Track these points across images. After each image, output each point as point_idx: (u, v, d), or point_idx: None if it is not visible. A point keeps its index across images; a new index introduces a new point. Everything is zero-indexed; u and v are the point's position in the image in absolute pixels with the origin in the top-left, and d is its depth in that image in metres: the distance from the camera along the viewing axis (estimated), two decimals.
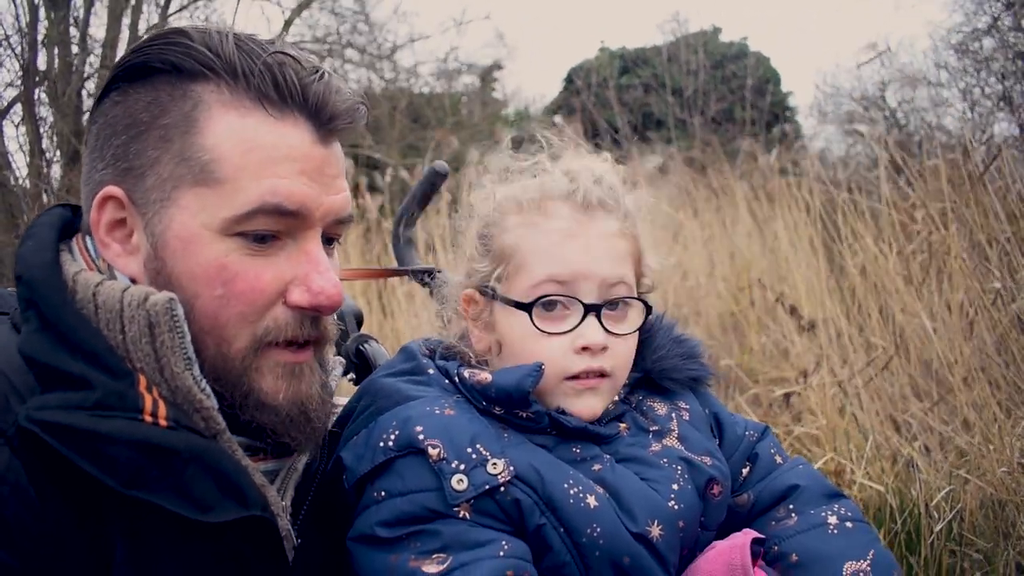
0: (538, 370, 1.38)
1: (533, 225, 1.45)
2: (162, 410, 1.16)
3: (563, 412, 1.41)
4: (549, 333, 1.41)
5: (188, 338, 1.20)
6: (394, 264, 2.23)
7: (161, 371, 1.20)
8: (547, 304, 1.42)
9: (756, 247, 5.75)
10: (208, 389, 1.22)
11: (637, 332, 1.49)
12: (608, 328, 1.42)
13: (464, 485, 1.28)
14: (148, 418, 1.14)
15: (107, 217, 1.28)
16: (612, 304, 1.44)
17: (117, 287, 1.22)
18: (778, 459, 1.58)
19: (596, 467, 1.38)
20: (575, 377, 1.42)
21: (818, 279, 4.40)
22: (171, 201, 1.24)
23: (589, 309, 1.41)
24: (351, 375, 1.74)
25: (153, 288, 1.22)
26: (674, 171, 7.01)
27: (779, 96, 13.76)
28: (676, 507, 1.37)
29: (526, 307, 1.42)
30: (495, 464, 1.30)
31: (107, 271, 1.29)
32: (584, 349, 1.41)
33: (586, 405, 1.42)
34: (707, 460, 1.45)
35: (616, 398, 1.50)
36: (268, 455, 1.33)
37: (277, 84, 1.24)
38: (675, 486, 1.39)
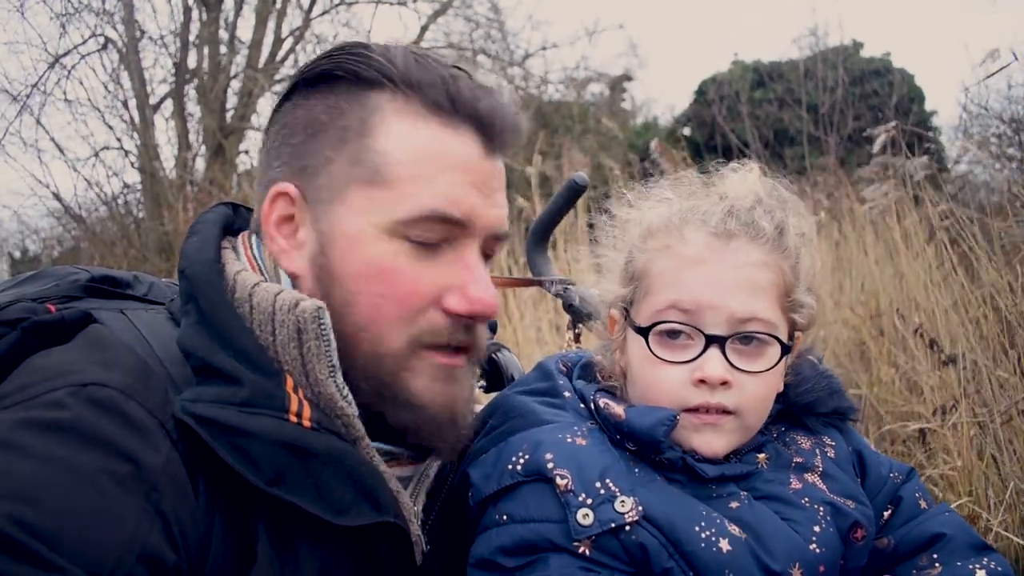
0: (673, 419, 1.32)
1: (666, 249, 1.39)
2: (307, 411, 1.18)
3: (699, 458, 1.35)
4: (666, 361, 1.35)
5: (333, 345, 1.22)
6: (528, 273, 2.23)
7: (306, 376, 1.22)
8: (671, 333, 1.36)
9: (887, 273, 5.49)
10: (349, 396, 1.24)
11: (777, 371, 1.39)
12: (735, 363, 1.34)
13: (590, 520, 1.24)
14: (293, 418, 1.16)
15: (277, 212, 1.32)
16: (746, 339, 1.35)
17: (271, 290, 1.25)
18: (923, 504, 1.49)
19: (733, 504, 1.32)
20: (694, 410, 1.35)
21: (955, 310, 4.18)
22: (341, 200, 1.27)
23: (712, 341, 1.33)
24: (482, 382, 1.76)
25: (308, 292, 1.26)
26: (806, 191, 6.78)
27: (923, 115, 13.17)
28: (818, 551, 1.30)
29: (644, 331, 1.37)
30: (623, 502, 1.26)
31: (271, 271, 1.33)
32: (701, 382, 1.33)
33: (705, 441, 1.35)
34: (851, 503, 1.38)
35: None
36: (405, 460, 1.34)
37: (451, 96, 1.26)
38: (817, 528, 1.32)
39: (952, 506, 3.12)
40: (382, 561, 1.24)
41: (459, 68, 1.29)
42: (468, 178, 1.27)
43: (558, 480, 1.27)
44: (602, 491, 1.26)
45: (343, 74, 1.30)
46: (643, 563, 1.25)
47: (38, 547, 0.95)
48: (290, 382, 1.20)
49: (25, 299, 1.30)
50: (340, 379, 1.23)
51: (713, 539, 1.25)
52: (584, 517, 1.24)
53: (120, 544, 1.00)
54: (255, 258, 1.35)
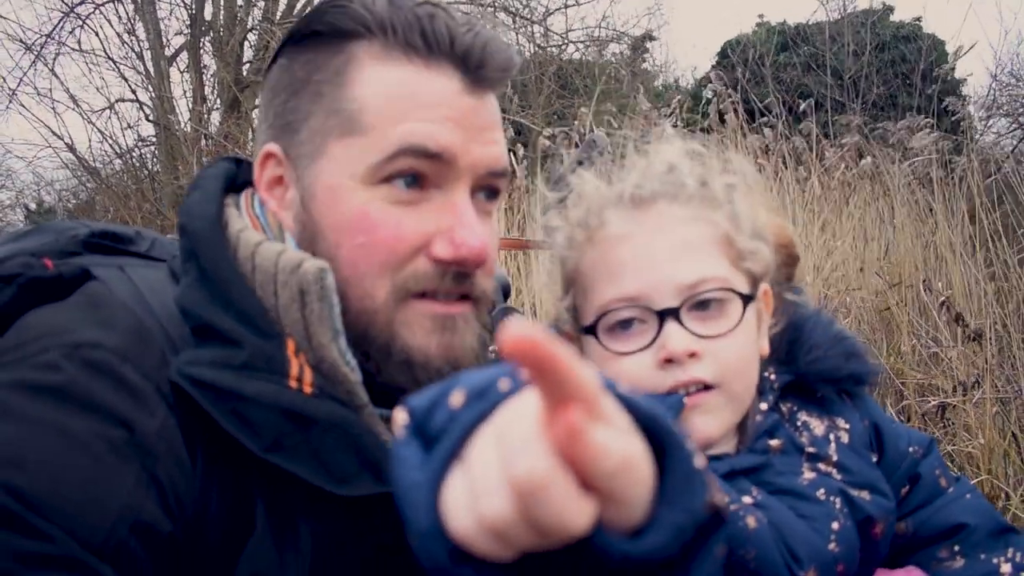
0: (679, 404, 1.22)
1: (589, 240, 1.30)
2: (308, 376, 1.14)
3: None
4: (623, 353, 1.25)
5: (337, 309, 1.18)
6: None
7: (309, 340, 1.17)
8: (622, 324, 1.26)
9: (911, 241, 5.39)
10: (353, 362, 1.19)
11: (748, 327, 1.28)
12: (696, 331, 1.23)
13: None
14: (293, 383, 1.12)
15: (268, 175, 1.29)
16: (701, 304, 1.24)
17: (273, 250, 1.20)
18: (943, 482, 1.41)
19: (746, 499, 1.24)
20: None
21: (978, 282, 4.10)
22: (321, 153, 1.23)
23: (665, 315, 1.23)
24: (493, 347, 1.71)
25: (307, 253, 1.20)
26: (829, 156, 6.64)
27: (952, 83, 12.88)
28: (836, 549, 1.23)
29: (591, 329, 1.28)
30: None
31: (276, 230, 1.28)
32: (668, 361, 1.23)
33: (697, 425, 1.24)
34: (866, 495, 1.29)
35: (764, 407, 1.34)
36: None
37: (425, 34, 1.21)
38: (835, 524, 1.24)
39: (972, 483, 3.08)
40: (383, 531, 1.20)
41: (432, 4, 1.23)
42: (444, 113, 1.19)
43: None
44: None
45: (323, 28, 1.26)
46: None
47: (27, 513, 0.92)
48: (291, 345, 1.16)
49: (23, 254, 1.27)
50: (343, 344, 1.18)
51: (741, 513, 1.19)
52: None
53: (114, 513, 0.97)
54: (257, 216, 1.31)
